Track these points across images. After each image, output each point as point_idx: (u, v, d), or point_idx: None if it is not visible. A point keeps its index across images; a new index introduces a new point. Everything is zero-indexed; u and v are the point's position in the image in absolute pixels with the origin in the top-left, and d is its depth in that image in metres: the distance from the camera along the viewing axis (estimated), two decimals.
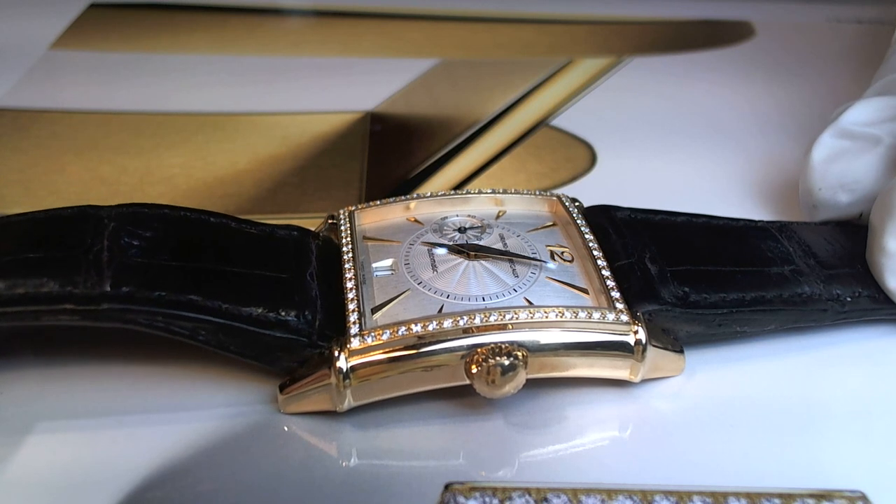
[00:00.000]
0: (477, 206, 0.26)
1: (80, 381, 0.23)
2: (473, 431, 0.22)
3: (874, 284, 0.25)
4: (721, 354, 0.24)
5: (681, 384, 0.23)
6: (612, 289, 0.23)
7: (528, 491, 0.19)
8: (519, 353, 0.21)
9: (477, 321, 0.21)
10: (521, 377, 0.21)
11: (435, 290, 0.23)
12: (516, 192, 0.27)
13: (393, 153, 0.35)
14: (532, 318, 0.21)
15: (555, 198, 0.26)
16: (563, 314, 0.21)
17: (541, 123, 0.38)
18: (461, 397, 0.22)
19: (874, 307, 0.25)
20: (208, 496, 0.20)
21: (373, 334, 0.21)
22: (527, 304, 0.22)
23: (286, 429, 0.22)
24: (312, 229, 0.25)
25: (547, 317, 0.21)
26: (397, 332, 0.21)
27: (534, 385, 0.23)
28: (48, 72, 0.41)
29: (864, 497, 0.19)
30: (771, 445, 0.21)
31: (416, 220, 0.26)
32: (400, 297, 0.23)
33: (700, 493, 0.19)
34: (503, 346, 0.21)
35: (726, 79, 0.42)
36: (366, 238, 0.25)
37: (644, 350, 0.22)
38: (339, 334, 0.21)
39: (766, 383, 0.23)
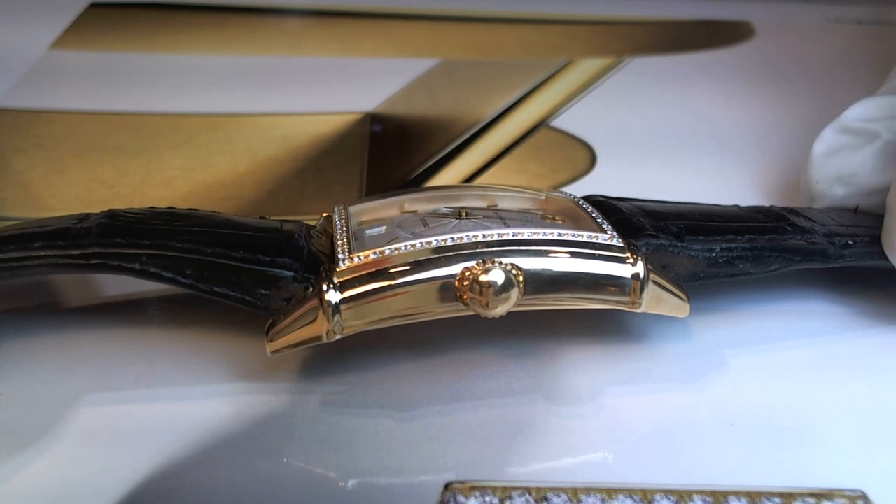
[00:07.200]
0: (469, 202, 0.26)
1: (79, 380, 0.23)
2: (473, 430, 0.22)
3: (876, 231, 0.25)
4: (721, 353, 0.24)
5: (681, 383, 0.23)
6: (604, 222, 0.23)
7: (528, 490, 0.19)
8: (514, 271, 0.21)
9: (466, 239, 0.21)
10: (515, 295, 0.21)
11: (427, 237, 0.23)
12: (510, 188, 0.27)
13: (393, 154, 0.35)
14: (524, 237, 0.22)
15: (545, 194, 0.27)
16: (553, 234, 0.22)
17: (541, 124, 0.38)
18: (461, 395, 0.22)
19: (876, 250, 0.25)
20: (212, 489, 0.20)
21: (360, 255, 0.21)
22: None
23: (285, 428, 0.22)
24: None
25: (539, 235, 0.22)
26: (385, 252, 0.21)
27: (534, 384, 0.23)
28: (48, 72, 0.41)
29: (864, 496, 0.19)
30: (771, 444, 0.21)
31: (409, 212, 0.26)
32: (391, 243, 0.22)
33: (700, 493, 0.19)
34: (496, 260, 0.21)
35: (727, 79, 0.42)
36: (360, 222, 0.25)
37: (642, 276, 0.21)
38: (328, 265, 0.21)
39: (766, 382, 0.23)
